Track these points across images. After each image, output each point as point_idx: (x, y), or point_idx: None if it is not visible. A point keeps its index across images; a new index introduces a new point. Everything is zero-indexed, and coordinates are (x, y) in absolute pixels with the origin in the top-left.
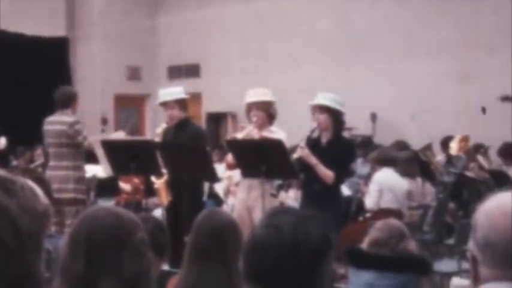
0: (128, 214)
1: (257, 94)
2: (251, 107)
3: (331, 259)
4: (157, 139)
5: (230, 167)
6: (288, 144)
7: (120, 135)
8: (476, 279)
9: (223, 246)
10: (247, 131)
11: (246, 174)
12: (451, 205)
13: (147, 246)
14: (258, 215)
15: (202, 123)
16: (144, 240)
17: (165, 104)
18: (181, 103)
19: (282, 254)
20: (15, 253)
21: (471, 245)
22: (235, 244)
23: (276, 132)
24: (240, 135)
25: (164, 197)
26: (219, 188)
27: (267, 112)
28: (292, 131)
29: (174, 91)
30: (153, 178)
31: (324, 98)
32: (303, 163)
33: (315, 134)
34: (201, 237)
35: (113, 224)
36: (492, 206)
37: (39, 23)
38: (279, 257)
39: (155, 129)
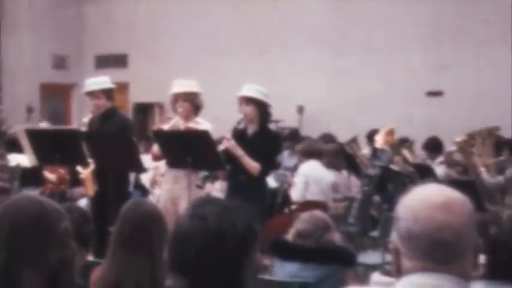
0: (52, 203)
1: (183, 85)
2: (177, 97)
3: (256, 250)
4: (83, 129)
5: (156, 158)
6: (213, 135)
7: (43, 126)
8: (398, 271)
9: (148, 237)
10: (173, 122)
11: (171, 165)
12: (376, 198)
13: (70, 236)
14: (183, 206)
15: (129, 113)
16: (68, 230)
17: (91, 94)
18: (107, 93)
19: (207, 244)
20: None
21: (394, 237)
22: (160, 234)
23: (201, 123)
24: (166, 126)
25: (90, 187)
26: (145, 178)
27: (192, 103)
28: (217, 122)
29: (101, 80)
30: (79, 168)
31: (250, 90)
32: (229, 155)
33: (241, 126)
34: (125, 227)
35: (36, 213)
36: (414, 198)
37: None
38: (204, 247)
39: (82, 118)
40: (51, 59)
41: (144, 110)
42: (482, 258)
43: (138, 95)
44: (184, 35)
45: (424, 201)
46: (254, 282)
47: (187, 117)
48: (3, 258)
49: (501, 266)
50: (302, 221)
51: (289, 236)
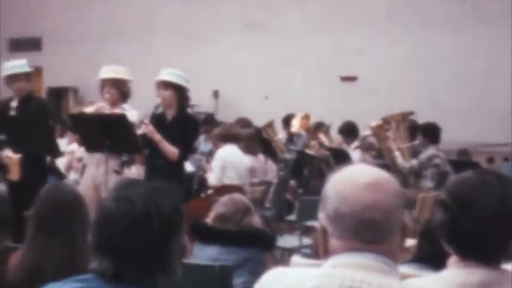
0: None
1: (112, 71)
2: (104, 83)
3: (181, 232)
4: (12, 113)
5: (79, 142)
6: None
7: None
8: (325, 251)
9: (68, 219)
10: (96, 106)
11: (89, 149)
12: (292, 182)
13: None
14: (103, 192)
15: (43, 97)
16: None
17: (13, 77)
18: (27, 76)
19: (133, 226)
20: None
21: (321, 217)
22: (80, 217)
23: (128, 110)
24: (89, 109)
25: (15, 173)
26: (60, 163)
27: (120, 90)
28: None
29: (21, 63)
30: (7, 153)
31: (168, 74)
32: (147, 139)
33: (159, 110)
34: (45, 210)
35: None
36: (342, 178)
37: None
38: (130, 228)
39: None
40: None
41: (59, 95)
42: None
43: (52, 79)
44: (100, 17)
45: (351, 180)
46: (180, 264)
47: (114, 104)
48: None
49: (433, 250)
50: (222, 204)
51: (209, 219)
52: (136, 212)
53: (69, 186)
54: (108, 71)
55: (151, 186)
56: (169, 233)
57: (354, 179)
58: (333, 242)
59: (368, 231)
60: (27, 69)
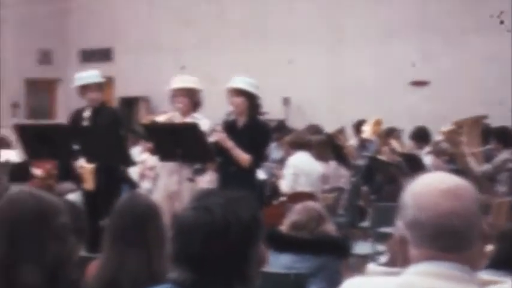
0: (51, 198)
1: (183, 80)
2: (176, 93)
3: (259, 241)
4: (85, 123)
5: (152, 152)
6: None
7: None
8: (405, 259)
9: (144, 230)
10: (169, 115)
11: (162, 158)
12: (364, 188)
13: (69, 231)
14: (181, 200)
15: (115, 107)
16: (66, 225)
17: (85, 87)
18: (100, 86)
19: (212, 236)
20: None
21: (400, 225)
22: (157, 228)
23: (199, 119)
24: (161, 118)
25: (90, 183)
26: (133, 172)
27: (192, 99)
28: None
29: (93, 74)
30: (82, 163)
31: (239, 82)
32: (219, 147)
33: (231, 118)
34: (121, 221)
35: (35, 208)
36: (420, 185)
37: None
38: (209, 238)
39: (66, 113)
40: (36, 53)
41: (130, 104)
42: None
43: (123, 89)
44: (170, 27)
45: (429, 188)
46: (258, 274)
47: (185, 113)
48: (3, 252)
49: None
50: (296, 212)
51: (284, 227)
52: (215, 222)
53: (145, 197)
54: (180, 81)
55: (230, 195)
56: (247, 243)
57: (432, 187)
58: (413, 250)
59: (447, 239)
60: (99, 79)
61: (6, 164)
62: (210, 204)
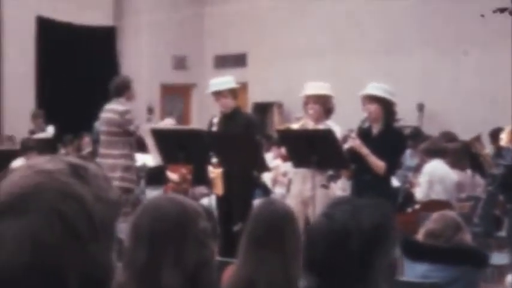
0: (192, 203)
1: (315, 87)
2: (309, 99)
3: (388, 251)
4: (214, 129)
5: (284, 158)
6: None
7: (168, 122)
8: None
9: (281, 236)
10: (302, 122)
11: (297, 164)
12: (501, 197)
13: (209, 235)
14: (311, 207)
15: (250, 113)
16: (206, 229)
17: (218, 93)
18: (233, 92)
19: (332, 243)
20: (88, 242)
21: None
22: (293, 234)
23: (331, 126)
24: (295, 126)
25: (219, 187)
26: (266, 177)
27: (324, 106)
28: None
29: (227, 80)
30: (210, 168)
31: (374, 88)
32: (354, 154)
33: (366, 125)
34: (258, 226)
35: (176, 213)
36: None
37: (87, 12)
38: (329, 246)
39: (201, 118)
40: (171, 59)
41: (263, 110)
42: None
43: (257, 94)
44: (303, 33)
45: None
46: (389, 284)
47: (317, 120)
48: (145, 258)
49: None
50: (433, 221)
51: (419, 235)
52: (335, 230)
53: (282, 202)
54: (312, 87)
55: (357, 203)
56: (371, 251)
57: None
58: None
59: None
60: (231, 85)
61: (143, 168)
62: (334, 212)
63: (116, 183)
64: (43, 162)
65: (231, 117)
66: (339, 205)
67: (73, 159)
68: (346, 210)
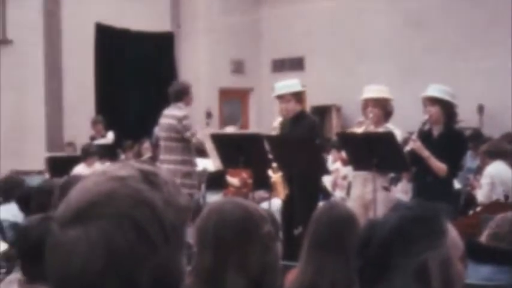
0: (256, 208)
1: (374, 90)
2: (368, 103)
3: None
4: (273, 132)
5: (344, 162)
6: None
7: (230, 130)
8: None
9: (343, 239)
10: (364, 126)
11: (357, 167)
12: None
13: (273, 239)
14: (372, 210)
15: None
16: (270, 233)
17: (281, 97)
18: (297, 96)
19: (359, 247)
20: (159, 247)
21: None
22: (354, 237)
23: (392, 129)
24: (359, 130)
25: (281, 191)
26: (327, 180)
27: (383, 109)
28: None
29: (291, 83)
30: (270, 172)
31: (435, 90)
32: (415, 156)
33: (427, 127)
34: (320, 230)
35: (240, 218)
36: None
37: (145, 18)
38: (358, 250)
39: (259, 122)
40: (229, 63)
41: (322, 113)
42: None
43: (315, 97)
44: (361, 35)
45: None
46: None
47: (377, 123)
48: (210, 262)
49: None
50: (496, 223)
51: (483, 237)
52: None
53: (344, 206)
54: (371, 91)
55: (406, 210)
56: (388, 257)
57: None
58: None
59: None
60: (295, 89)
61: (204, 173)
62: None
63: None
64: (115, 169)
65: (295, 121)
66: (395, 210)
67: (144, 165)
68: (391, 215)
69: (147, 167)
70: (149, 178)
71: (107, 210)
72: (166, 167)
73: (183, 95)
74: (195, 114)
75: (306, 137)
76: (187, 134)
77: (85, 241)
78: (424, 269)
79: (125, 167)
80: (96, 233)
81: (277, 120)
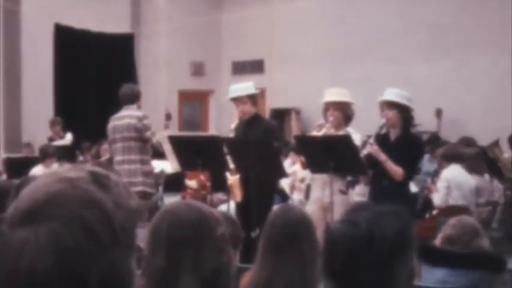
0: (210, 210)
1: (335, 94)
2: (329, 106)
3: (408, 258)
4: (231, 135)
5: (304, 165)
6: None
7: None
8: None
9: (297, 242)
10: (324, 130)
11: (314, 170)
12: None
13: (227, 242)
14: (330, 213)
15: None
16: (224, 236)
17: (237, 99)
18: (252, 98)
19: (354, 249)
20: (108, 248)
21: None
22: (309, 240)
23: (352, 133)
24: (317, 134)
25: (237, 193)
26: (285, 183)
27: (344, 113)
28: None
29: (246, 86)
30: (227, 174)
31: (392, 94)
32: (371, 159)
33: (383, 131)
34: (275, 232)
35: (194, 219)
36: None
37: (104, 19)
38: (351, 251)
39: (218, 125)
40: (189, 65)
41: (281, 116)
42: None
43: (274, 100)
44: (319, 39)
45: None
46: None
47: (338, 127)
48: (162, 264)
49: None
50: (450, 226)
51: (437, 241)
52: (358, 236)
53: (299, 209)
54: (332, 94)
55: (380, 210)
56: (392, 258)
57: None
58: None
59: None
60: (250, 91)
61: (161, 175)
62: (356, 218)
63: (138, 187)
64: (65, 170)
65: (250, 124)
66: (361, 211)
67: (94, 167)
68: (369, 216)
69: (97, 169)
70: (99, 180)
71: (56, 210)
72: (126, 167)
73: (136, 98)
74: (155, 116)
75: (263, 140)
76: (148, 133)
77: (33, 241)
78: (412, 274)
79: (75, 169)
80: (45, 232)
81: (234, 123)
